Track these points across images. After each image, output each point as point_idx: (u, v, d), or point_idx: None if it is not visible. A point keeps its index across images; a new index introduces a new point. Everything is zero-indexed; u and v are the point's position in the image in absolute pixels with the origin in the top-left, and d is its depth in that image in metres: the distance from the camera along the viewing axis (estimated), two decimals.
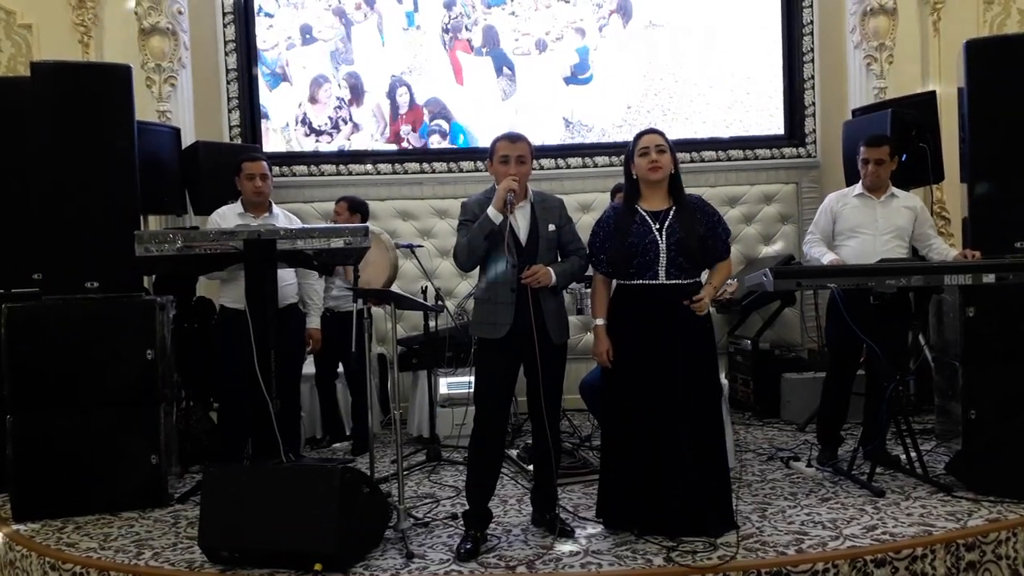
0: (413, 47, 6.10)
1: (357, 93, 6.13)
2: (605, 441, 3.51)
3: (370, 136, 6.18)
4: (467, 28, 6.03)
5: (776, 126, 6.33)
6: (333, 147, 6.19)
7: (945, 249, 4.16)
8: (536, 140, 5.71)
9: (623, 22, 6.06)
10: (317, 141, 6.18)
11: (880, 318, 3.82)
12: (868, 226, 4.16)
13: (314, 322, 4.49)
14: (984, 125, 4.15)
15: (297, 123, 6.21)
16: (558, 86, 6.13)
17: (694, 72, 6.19)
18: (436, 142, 6.19)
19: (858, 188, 4.25)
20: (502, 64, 6.04)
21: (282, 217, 4.39)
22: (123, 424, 3.88)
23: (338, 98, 6.13)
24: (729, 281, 4.39)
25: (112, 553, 3.32)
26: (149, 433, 3.93)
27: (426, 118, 6.11)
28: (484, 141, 6.00)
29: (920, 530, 3.21)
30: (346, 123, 6.15)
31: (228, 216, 4.27)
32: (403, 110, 6.15)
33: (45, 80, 3.94)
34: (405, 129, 6.14)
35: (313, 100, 6.13)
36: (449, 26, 6.06)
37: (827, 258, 4.09)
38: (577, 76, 6.03)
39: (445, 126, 6.16)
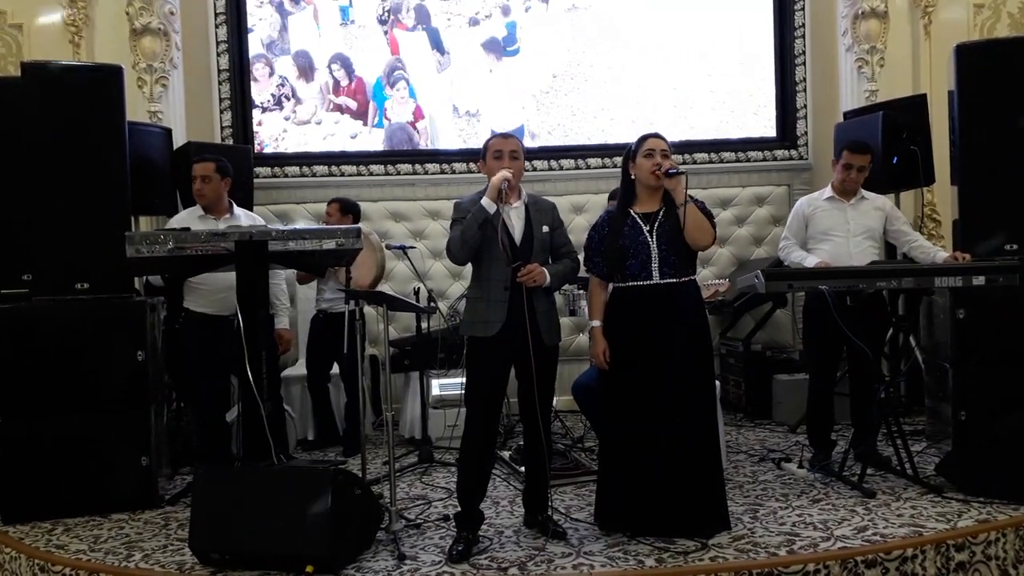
0: (349, 39, 6.21)
1: (306, 71, 6.21)
2: (602, 443, 3.51)
3: (313, 107, 6.22)
4: (404, 11, 6.23)
5: (768, 128, 6.35)
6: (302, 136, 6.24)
7: (931, 248, 4.19)
8: (472, 109, 6.09)
9: (545, 5, 6.28)
10: (263, 114, 6.23)
11: (858, 319, 3.84)
12: (840, 229, 4.19)
13: (283, 323, 4.48)
14: (974, 128, 4.17)
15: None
16: (489, 58, 6.27)
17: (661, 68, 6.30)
18: (402, 89, 6.25)
19: (828, 192, 4.29)
20: (436, 39, 6.23)
21: (244, 218, 4.37)
22: (113, 425, 3.86)
23: (281, 76, 6.17)
24: (721, 281, 4.41)
25: (102, 555, 3.30)
26: (139, 434, 3.91)
27: (369, 88, 6.23)
28: (427, 103, 6.22)
29: (910, 531, 3.22)
30: (289, 99, 6.20)
31: (185, 220, 4.24)
32: (345, 83, 6.23)
33: (36, 80, 3.92)
34: (344, 99, 6.26)
35: (253, 79, 6.19)
36: (384, 16, 6.21)
37: (810, 261, 4.11)
38: (506, 49, 6.23)
39: (406, 75, 6.26)
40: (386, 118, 6.25)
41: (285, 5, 6.18)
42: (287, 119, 6.22)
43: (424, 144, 6.27)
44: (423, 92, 6.25)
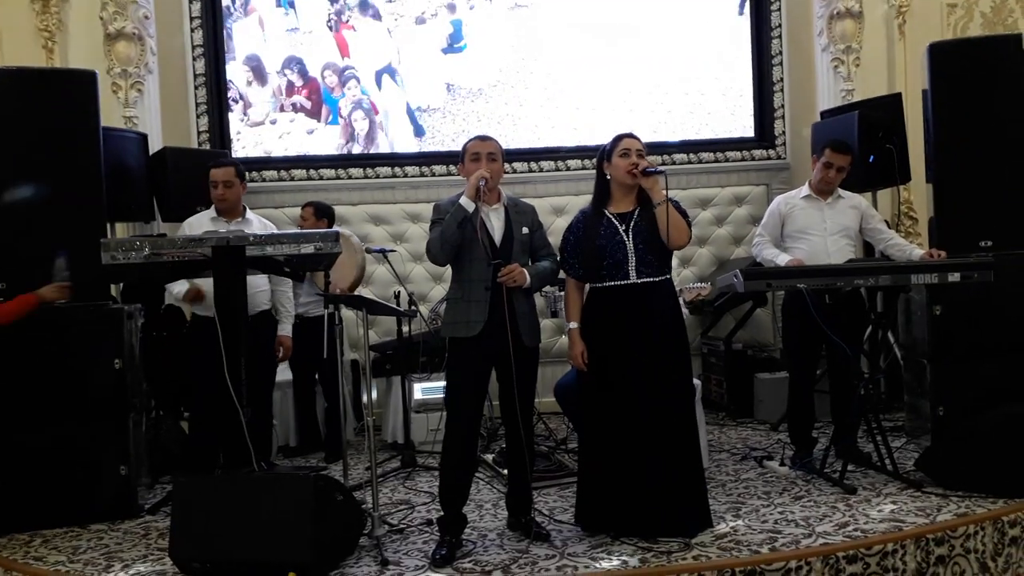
0: (295, 44, 6.25)
1: (260, 74, 6.23)
2: (582, 444, 3.52)
3: (267, 108, 6.24)
4: (348, 10, 6.27)
5: (746, 128, 6.39)
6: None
7: (906, 246, 4.22)
8: (423, 104, 6.15)
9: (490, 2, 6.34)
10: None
11: (836, 317, 3.87)
12: (816, 227, 4.22)
13: (285, 330, 4.44)
14: (948, 126, 4.22)
15: None
16: (436, 56, 6.31)
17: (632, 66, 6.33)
18: (353, 86, 6.27)
19: (804, 190, 4.32)
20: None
21: (256, 222, 4.34)
22: (91, 435, 3.82)
23: (228, 80, 6.18)
24: (703, 285, 4.43)
25: (81, 566, 3.26)
26: (118, 443, 3.88)
27: (324, 83, 6.25)
28: (378, 101, 6.26)
29: (891, 526, 3.25)
30: (237, 102, 6.21)
31: (200, 223, 4.21)
32: (299, 83, 6.25)
33: (8, 86, 3.89)
34: (298, 98, 6.27)
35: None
36: (331, 21, 6.25)
37: (782, 259, 4.13)
38: (453, 46, 6.30)
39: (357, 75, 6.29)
40: (340, 116, 6.28)
41: (228, 11, 6.18)
42: (241, 120, 6.23)
43: (384, 143, 6.29)
44: (374, 91, 6.28)
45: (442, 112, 6.30)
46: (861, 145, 5.01)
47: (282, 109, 6.25)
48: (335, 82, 6.26)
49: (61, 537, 3.63)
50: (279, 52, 6.23)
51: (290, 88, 6.24)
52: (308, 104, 6.25)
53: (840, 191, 4.29)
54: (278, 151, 6.24)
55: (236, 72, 6.20)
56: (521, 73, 6.30)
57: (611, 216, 3.36)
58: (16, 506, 3.71)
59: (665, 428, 3.24)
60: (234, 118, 6.22)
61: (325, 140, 6.27)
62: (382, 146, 6.29)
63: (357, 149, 6.29)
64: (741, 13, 6.35)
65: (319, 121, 6.27)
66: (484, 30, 6.29)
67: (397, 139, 6.29)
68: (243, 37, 6.21)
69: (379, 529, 3.36)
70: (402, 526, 3.57)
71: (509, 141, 6.21)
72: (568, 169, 6.23)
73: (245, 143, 6.23)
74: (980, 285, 3.79)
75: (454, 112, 6.31)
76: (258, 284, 4.18)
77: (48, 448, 3.76)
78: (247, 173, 5.90)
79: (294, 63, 6.23)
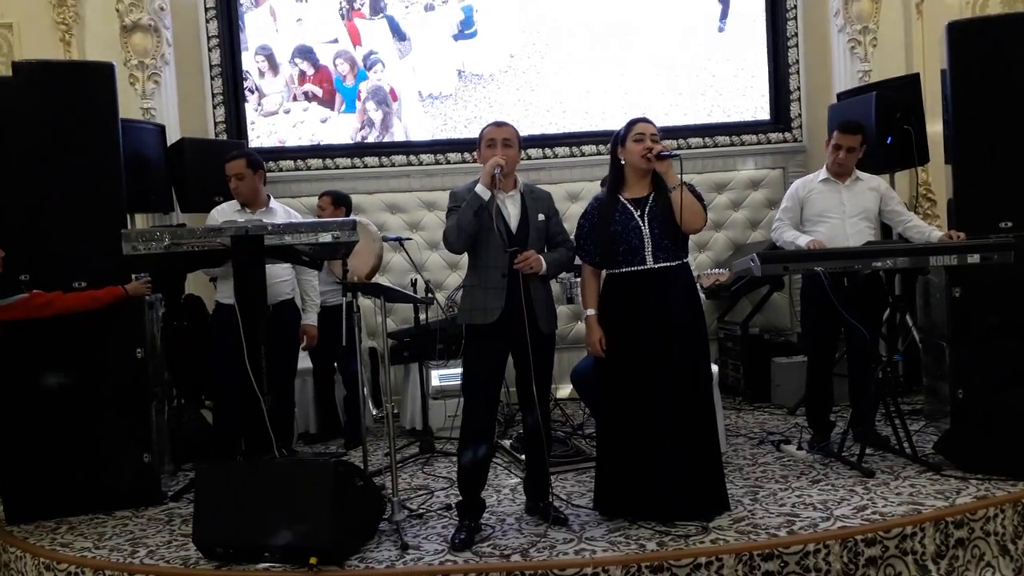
0: (305, 33, 6.25)
1: (272, 64, 6.25)
2: (600, 430, 3.53)
3: (280, 97, 6.26)
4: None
5: (761, 111, 6.34)
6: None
7: (926, 227, 4.18)
8: (435, 91, 6.14)
9: None
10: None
11: (855, 300, 3.85)
12: (835, 210, 4.20)
13: (310, 319, 4.47)
14: (967, 106, 4.17)
15: None
16: (448, 42, 6.30)
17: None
18: (379, 71, 6.28)
19: (823, 174, 4.29)
20: (396, 26, 6.28)
21: (280, 212, 4.36)
22: (114, 423, 3.88)
23: (244, 71, 6.21)
24: (720, 270, 4.41)
25: (107, 552, 3.32)
26: (141, 432, 3.93)
27: (335, 72, 6.26)
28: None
29: (910, 509, 3.24)
30: (253, 92, 6.24)
31: (225, 214, 4.24)
32: (310, 72, 6.26)
33: (28, 80, 3.91)
34: (310, 87, 6.29)
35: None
36: (342, 9, 6.26)
37: (802, 240, 4.12)
38: (463, 32, 6.29)
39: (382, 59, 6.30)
40: (358, 99, 6.29)
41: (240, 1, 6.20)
42: (256, 111, 6.25)
43: (399, 129, 6.30)
44: (388, 79, 6.28)
45: (454, 99, 6.30)
46: (879, 126, 4.96)
47: (295, 98, 6.27)
48: (347, 70, 6.26)
49: (86, 524, 3.69)
50: (290, 42, 6.23)
51: (302, 77, 6.26)
52: (320, 93, 6.26)
53: (858, 173, 4.26)
54: (292, 140, 6.27)
55: (249, 62, 6.22)
56: (532, 58, 6.28)
57: (626, 201, 3.35)
58: (42, 494, 3.78)
59: (683, 413, 3.24)
60: (249, 108, 6.25)
61: (339, 128, 6.28)
62: (397, 134, 6.30)
63: (373, 136, 6.29)
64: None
65: (332, 110, 6.29)
66: (495, 15, 6.27)
67: (411, 126, 6.29)
68: (255, 27, 6.23)
69: (399, 514, 3.39)
70: (421, 511, 3.61)
71: (522, 127, 6.18)
72: (583, 155, 6.22)
73: (260, 133, 6.26)
74: (1000, 266, 3.75)
75: (466, 98, 6.30)
76: (280, 274, 4.21)
77: (73, 436, 3.82)
78: (264, 162, 5.98)
79: (304, 52, 6.24)
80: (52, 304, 3.68)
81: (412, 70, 6.28)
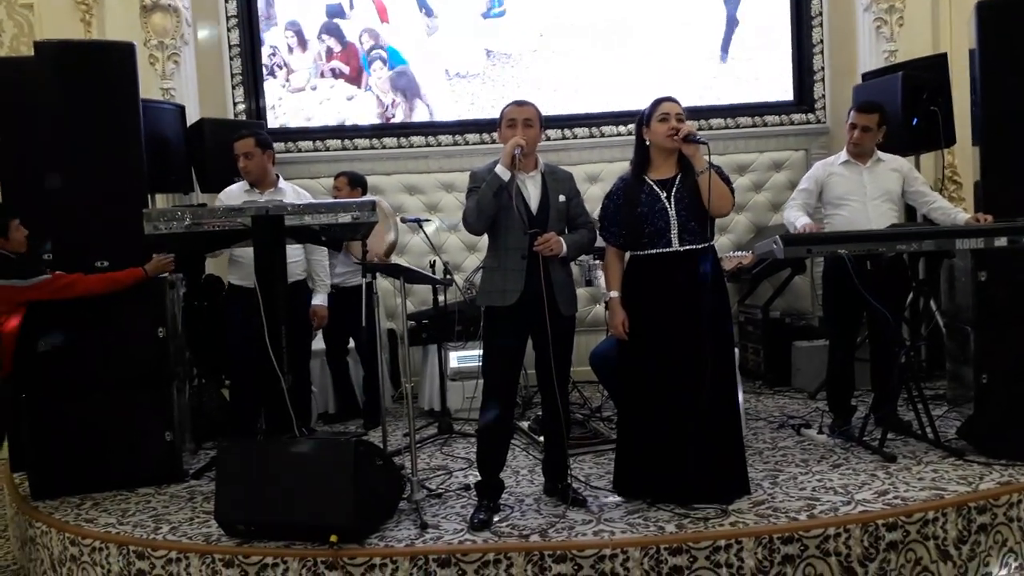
0: (333, 9, 6.23)
1: (301, 40, 6.25)
2: (621, 412, 3.52)
3: (307, 75, 6.26)
4: None
5: (784, 92, 6.26)
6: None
7: (951, 209, 4.12)
8: (462, 70, 6.08)
9: None
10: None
11: (878, 284, 3.80)
12: (856, 193, 4.13)
13: (321, 299, 4.47)
14: (996, 87, 4.08)
15: None
16: (477, 21, 6.26)
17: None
18: (379, 68, 6.28)
19: (843, 156, 4.22)
20: (423, 2, 6.25)
21: (290, 192, 4.36)
22: (136, 402, 3.91)
23: (272, 46, 6.21)
24: (744, 254, 4.37)
25: (130, 528, 3.36)
26: (162, 411, 3.96)
27: (362, 50, 6.24)
28: (418, 67, 6.25)
29: (932, 494, 3.21)
30: (281, 68, 6.23)
31: (235, 194, 4.26)
32: (337, 49, 6.25)
33: (49, 60, 3.91)
34: (337, 63, 6.28)
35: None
36: None
37: (800, 222, 4.05)
38: (491, 11, 6.25)
39: (383, 53, 6.27)
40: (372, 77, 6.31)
41: None
42: (283, 87, 6.25)
43: (422, 109, 6.27)
44: (412, 56, 6.25)
45: (481, 78, 6.24)
46: (904, 107, 4.88)
47: (322, 75, 6.25)
48: (372, 47, 6.24)
49: (110, 500, 3.74)
50: (318, 17, 6.21)
51: (329, 54, 6.24)
52: (347, 70, 6.24)
53: (880, 154, 4.19)
54: (319, 117, 6.25)
55: (278, 38, 6.21)
56: (561, 38, 6.21)
57: (652, 183, 3.31)
58: (66, 471, 3.82)
59: (705, 396, 3.21)
60: (276, 84, 6.24)
61: (364, 107, 6.27)
62: (421, 113, 6.27)
63: (399, 115, 6.27)
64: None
65: (359, 87, 6.27)
66: None
67: (436, 105, 6.27)
68: (285, 3, 6.21)
69: (418, 493, 3.41)
70: (440, 491, 3.62)
71: (549, 107, 6.15)
72: (603, 135, 6.17)
73: (287, 109, 6.25)
74: None
75: (493, 78, 6.25)
76: (291, 255, 4.20)
77: (96, 415, 3.85)
78: (284, 143, 5.98)
79: (331, 29, 6.22)
80: (74, 286, 3.71)
81: (439, 48, 6.23)
